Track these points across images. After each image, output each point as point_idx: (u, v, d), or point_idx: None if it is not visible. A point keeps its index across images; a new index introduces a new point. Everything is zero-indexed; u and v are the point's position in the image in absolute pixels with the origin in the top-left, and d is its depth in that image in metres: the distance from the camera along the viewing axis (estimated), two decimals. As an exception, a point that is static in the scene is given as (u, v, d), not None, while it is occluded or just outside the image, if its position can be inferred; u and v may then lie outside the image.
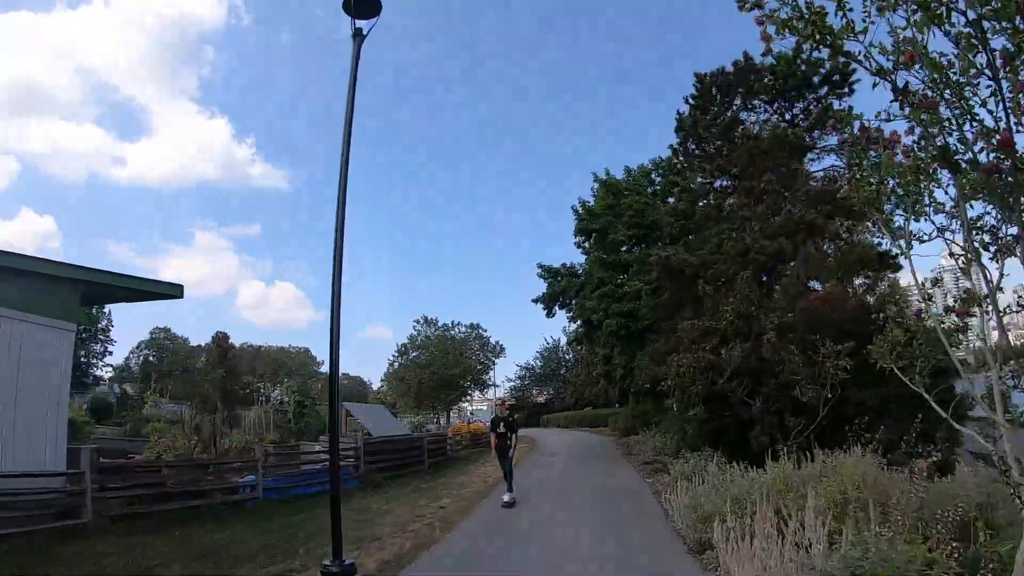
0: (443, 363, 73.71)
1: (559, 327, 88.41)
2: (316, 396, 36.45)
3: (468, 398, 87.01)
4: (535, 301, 35.03)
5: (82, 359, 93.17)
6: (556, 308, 34.91)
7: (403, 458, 21.77)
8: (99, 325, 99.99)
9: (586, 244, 31.35)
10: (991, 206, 4.93)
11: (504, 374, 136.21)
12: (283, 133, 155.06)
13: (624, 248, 29.73)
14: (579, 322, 30.59)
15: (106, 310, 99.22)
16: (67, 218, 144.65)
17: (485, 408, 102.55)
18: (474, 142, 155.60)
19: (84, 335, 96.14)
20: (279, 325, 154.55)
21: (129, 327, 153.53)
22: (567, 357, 79.97)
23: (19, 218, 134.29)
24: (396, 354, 78.75)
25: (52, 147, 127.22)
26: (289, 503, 16.48)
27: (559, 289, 34.60)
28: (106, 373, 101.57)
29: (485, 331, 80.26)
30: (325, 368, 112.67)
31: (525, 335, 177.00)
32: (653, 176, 31.93)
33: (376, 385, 79.22)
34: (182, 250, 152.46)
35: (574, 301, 30.58)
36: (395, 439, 22.16)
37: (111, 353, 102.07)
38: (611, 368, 40.07)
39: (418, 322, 78.69)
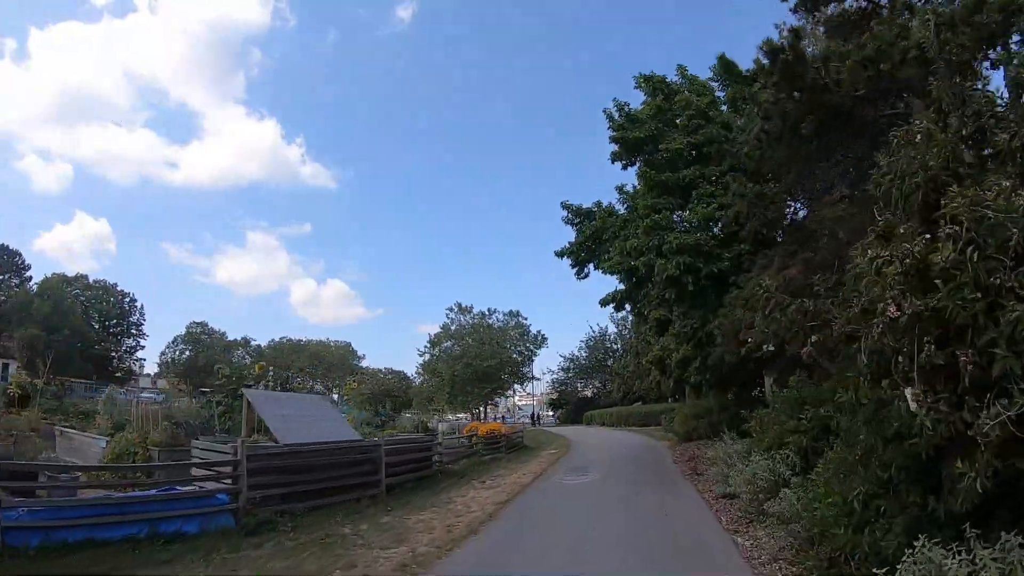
0: (478, 354, 65.77)
1: (607, 314, 79.20)
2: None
3: (508, 392, 78.55)
4: (560, 255, 24.16)
5: (112, 353, 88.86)
6: (589, 264, 23.79)
7: (332, 479, 13.36)
8: (130, 319, 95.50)
9: (627, 164, 22.03)
10: None
11: (547, 365, 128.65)
12: (331, 133, 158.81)
13: (683, 166, 20.39)
14: (618, 276, 20.99)
15: (138, 303, 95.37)
16: (121, 221, 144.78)
17: (523, 405, 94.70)
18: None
19: (111, 324, 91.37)
20: (331, 322, 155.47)
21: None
22: (615, 347, 70.82)
23: (75, 222, 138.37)
24: (428, 344, 71.03)
25: (105, 152, 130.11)
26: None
27: (591, 233, 23.19)
28: (138, 367, 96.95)
29: (526, 319, 71.70)
30: (366, 363, 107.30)
31: (570, 326, 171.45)
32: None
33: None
34: (235, 250, 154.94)
35: (611, 249, 21.14)
36: (319, 450, 13.68)
37: (143, 347, 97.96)
38: (665, 353, 31.30)
39: (451, 310, 70.63)
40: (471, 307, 70.07)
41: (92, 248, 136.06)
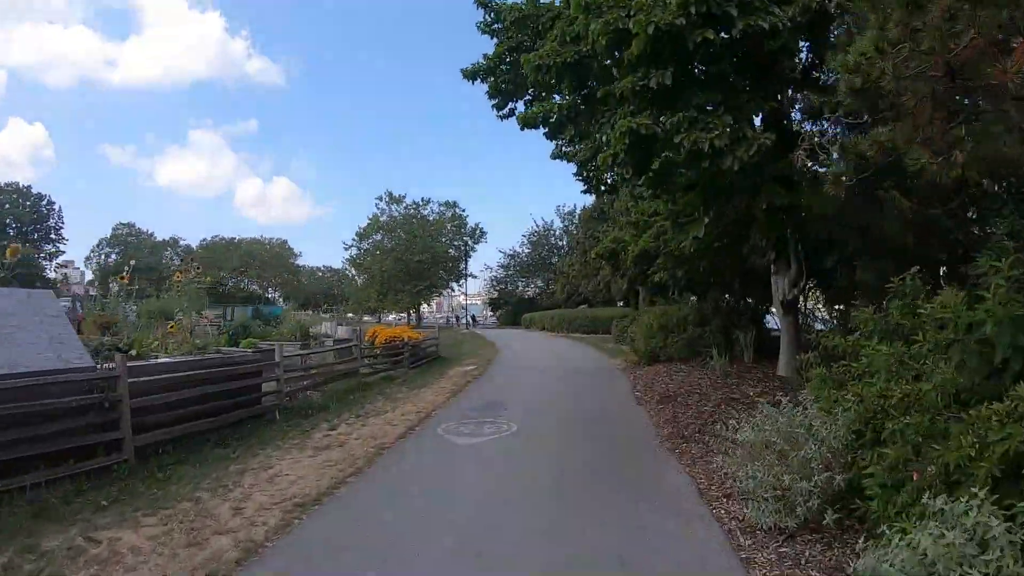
0: (408, 247, 58.10)
1: (552, 206, 71.52)
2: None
3: (445, 291, 71.21)
4: (471, 75, 14.75)
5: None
6: (514, 97, 15.01)
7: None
8: (48, 223, 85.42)
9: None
10: None
11: (485, 262, 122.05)
12: (277, 24, 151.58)
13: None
14: (555, 84, 12.82)
15: (55, 205, 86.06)
16: (60, 125, 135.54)
17: (470, 304, 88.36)
18: None
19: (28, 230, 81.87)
20: (280, 222, 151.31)
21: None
22: (560, 244, 63.71)
23: (7, 128, 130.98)
24: (355, 238, 62.77)
25: (39, 53, 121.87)
26: None
27: (516, 30, 14.14)
28: (58, 274, 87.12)
29: (463, 211, 63.83)
30: (302, 261, 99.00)
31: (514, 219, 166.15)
32: None
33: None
34: (179, 150, 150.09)
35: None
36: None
37: (63, 252, 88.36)
38: (617, 244, 24.39)
39: (381, 199, 61.92)
40: (403, 196, 61.73)
41: (29, 155, 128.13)
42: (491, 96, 14.50)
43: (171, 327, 15.63)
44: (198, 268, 17.16)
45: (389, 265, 57.61)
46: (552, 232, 64.38)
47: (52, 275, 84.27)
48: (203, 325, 17.47)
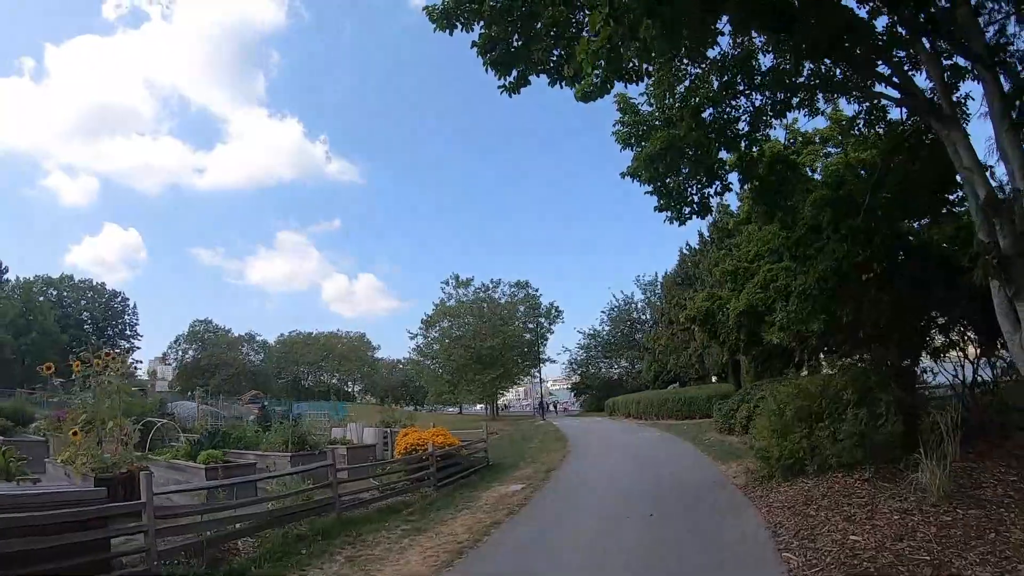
0: (477, 333, 52.54)
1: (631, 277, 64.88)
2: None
3: (523, 378, 64.24)
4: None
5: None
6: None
7: None
8: (123, 319, 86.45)
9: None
10: None
11: (563, 343, 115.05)
12: (354, 128, 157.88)
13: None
14: None
15: (130, 302, 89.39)
16: (152, 229, 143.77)
17: (556, 389, 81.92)
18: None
19: (104, 327, 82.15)
20: (367, 315, 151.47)
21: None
22: (643, 318, 56.88)
23: (104, 233, 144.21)
24: (421, 327, 57.65)
25: (131, 163, 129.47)
26: None
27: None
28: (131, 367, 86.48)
29: (536, 291, 58.22)
30: (381, 354, 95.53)
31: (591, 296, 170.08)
32: None
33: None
34: (266, 251, 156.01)
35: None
36: None
37: (138, 348, 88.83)
38: (713, 302, 18.25)
39: (447, 283, 56.95)
40: (471, 279, 56.62)
41: (123, 258, 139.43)
42: (483, 52, 8.79)
43: (73, 435, 11.44)
44: (111, 357, 11.79)
45: (458, 353, 52.24)
46: (633, 305, 57.88)
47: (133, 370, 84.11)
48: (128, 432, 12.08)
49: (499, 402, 79.81)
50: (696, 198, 11.02)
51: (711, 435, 20.02)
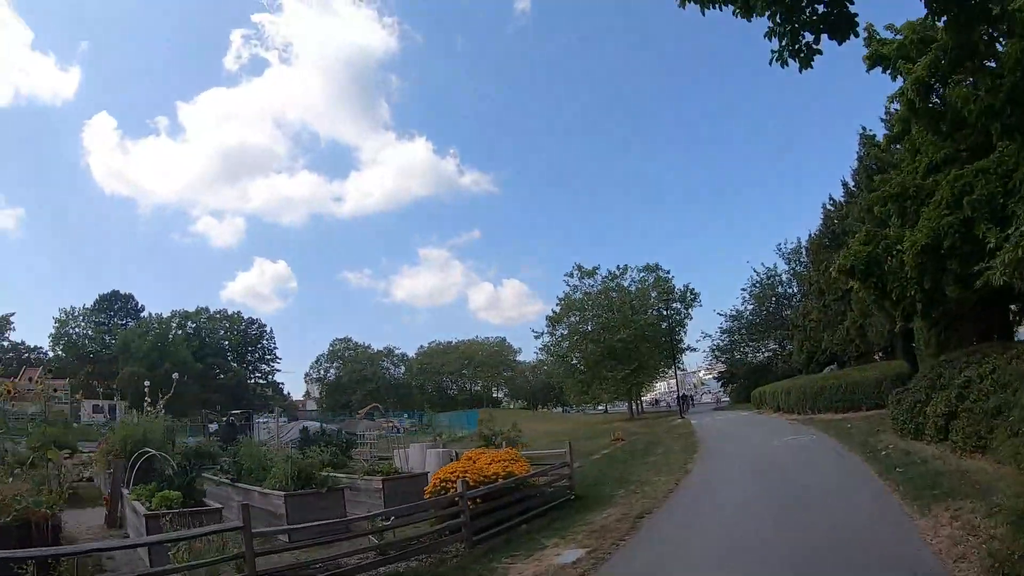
0: (606, 325, 47.39)
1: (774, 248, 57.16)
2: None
3: (663, 371, 57.81)
4: None
5: (248, 380, 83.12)
6: None
7: None
8: (262, 344, 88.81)
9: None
10: None
11: (702, 329, 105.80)
12: (480, 138, 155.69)
13: None
14: None
15: (267, 328, 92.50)
16: (299, 260, 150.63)
17: (708, 379, 75.09)
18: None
19: (243, 352, 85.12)
20: (515, 320, 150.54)
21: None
22: (791, 291, 49.38)
23: (255, 267, 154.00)
24: (547, 325, 52.90)
25: (272, 200, 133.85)
26: None
27: None
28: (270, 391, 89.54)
29: (668, 273, 52.15)
30: (521, 358, 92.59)
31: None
32: None
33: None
34: (410, 268, 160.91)
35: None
36: None
37: (278, 371, 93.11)
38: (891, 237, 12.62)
39: (571, 275, 52.07)
40: (596, 268, 51.36)
41: (275, 288, 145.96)
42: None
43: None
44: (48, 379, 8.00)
45: (588, 349, 47.30)
46: (777, 278, 50.47)
47: (271, 393, 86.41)
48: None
49: (646, 397, 74.23)
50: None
51: (889, 439, 14.04)
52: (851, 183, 29.93)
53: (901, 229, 12.29)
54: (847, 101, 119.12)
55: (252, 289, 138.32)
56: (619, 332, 45.75)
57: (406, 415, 56.63)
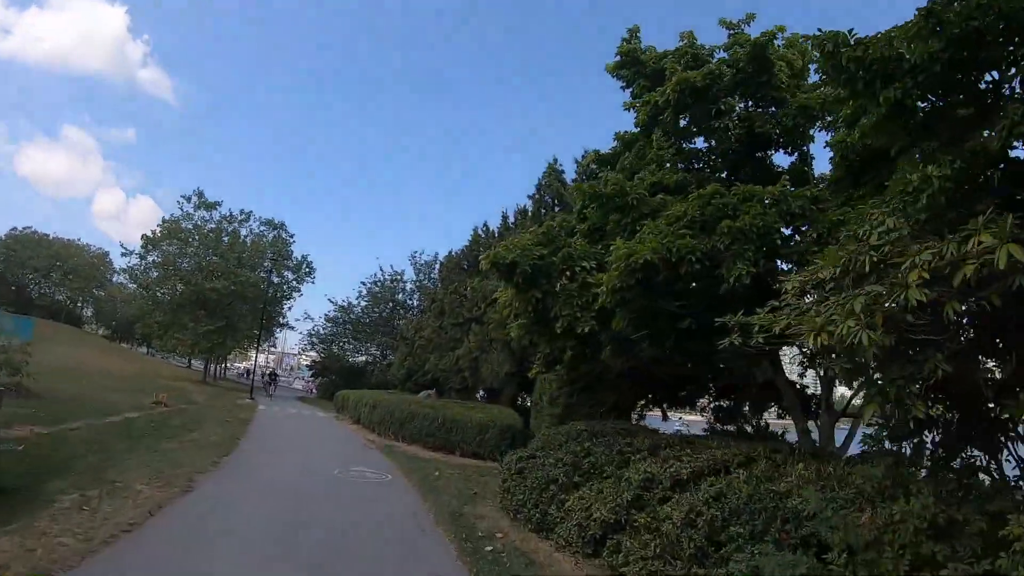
0: (202, 267, 40.28)
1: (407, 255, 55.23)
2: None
3: (260, 343, 51.09)
4: None
5: None
6: None
7: None
8: None
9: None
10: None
11: (306, 310, 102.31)
12: (181, 39, 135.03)
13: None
14: None
15: None
16: None
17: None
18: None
19: None
20: (134, 241, 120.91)
21: None
22: (410, 302, 47.51)
23: None
24: (142, 247, 42.91)
25: None
26: None
27: None
28: None
29: (291, 236, 46.76)
30: (119, 278, 73.81)
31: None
32: None
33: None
34: (47, 141, 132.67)
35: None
36: None
37: None
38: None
39: (188, 200, 42.97)
40: (219, 203, 43.62)
41: None
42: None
43: None
44: None
45: (177, 289, 39.42)
46: (401, 285, 48.27)
47: None
48: None
49: (240, 365, 66.70)
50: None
51: (497, 522, 10.00)
52: (529, 207, 27.83)
53: (590, 246, 9.61)
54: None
55: None
56: (217, 281, 38.82)
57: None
